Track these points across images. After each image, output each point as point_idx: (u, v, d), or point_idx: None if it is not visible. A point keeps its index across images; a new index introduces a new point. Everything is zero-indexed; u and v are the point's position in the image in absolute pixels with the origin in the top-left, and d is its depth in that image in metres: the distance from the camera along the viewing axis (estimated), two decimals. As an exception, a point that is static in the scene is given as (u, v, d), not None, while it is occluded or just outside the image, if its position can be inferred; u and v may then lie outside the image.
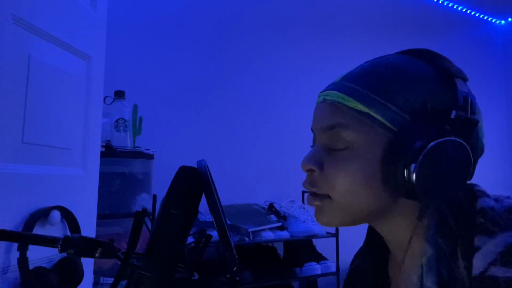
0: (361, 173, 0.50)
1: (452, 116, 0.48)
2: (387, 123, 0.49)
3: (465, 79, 0.52)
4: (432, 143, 0.45)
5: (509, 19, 3.89)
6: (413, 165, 0.46)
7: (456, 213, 0.49)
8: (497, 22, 3.92)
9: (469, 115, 0.49)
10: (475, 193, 0.51)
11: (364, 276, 0.62)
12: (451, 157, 0.46)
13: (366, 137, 0.50)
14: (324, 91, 0.55)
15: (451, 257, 0.47)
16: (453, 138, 0.46)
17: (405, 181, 0.47)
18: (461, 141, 0.47)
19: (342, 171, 0.50)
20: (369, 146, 0.50)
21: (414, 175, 0.46)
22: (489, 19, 3.86)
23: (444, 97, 0.49)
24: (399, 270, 0.54)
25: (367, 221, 0.55)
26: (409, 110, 0.49)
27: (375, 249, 0.61)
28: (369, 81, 0.51)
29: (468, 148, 0.47)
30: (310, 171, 0.53)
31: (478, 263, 0.44)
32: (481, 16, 3.80)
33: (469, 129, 0.48)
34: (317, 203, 0.53)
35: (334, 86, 0.54)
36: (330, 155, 0.52)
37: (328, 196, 0.52)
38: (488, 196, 0.50)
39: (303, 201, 2.51)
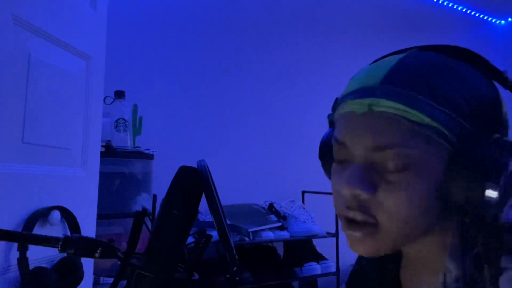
0: (423, 194, 0.43)
1: (504, 123, 0.44)
2: (450, 135, 0.42)
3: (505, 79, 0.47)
4: (510, 160, 0.40)
5: (509, 19, 3.89)
6: (489, 186, 0.40)
7: (481, 230, 0.45)
8: (497, 22, 3.92)
9: None
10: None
11: (372, 278, 0.59)
12: None
13: (428, 154, 0.43)
14: (363, 97, 0.45)
15: (478, 279, 0.43)
16: None
17: (478, 202, 0.41)
18: None
19: (403, 195, 0.43)
20: (432, 164, 0.43)
21: (496, 195, 0.40)
22: (489, 19, 3.86)
23: (492, 102, 0.45)
24: (417, 281, 0.52)
25: (403, 245, 0.49)
26: (467, 117, 0.43)
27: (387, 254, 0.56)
28: (428, 87, 0.43)
29: None
30: (356, 196, 0.45)
31: (505, 285, 0.41)
32: (481, 16, 3.80)
33: None
34: (359, 234, 0.46)
35: (383, 93, 0.44)
36: (383, 176, 0.44)
37: (373, 225, 0.45)
38: None
39: (303, 201, 2.51)
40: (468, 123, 0.43)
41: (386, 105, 0.43)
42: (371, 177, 0.44)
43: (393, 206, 0.43)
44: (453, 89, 0.43)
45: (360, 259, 0.66)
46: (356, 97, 0.46)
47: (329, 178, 0.54)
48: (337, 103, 0.52)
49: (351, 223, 0.46)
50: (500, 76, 0.47)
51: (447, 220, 0.47)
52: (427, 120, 0.42)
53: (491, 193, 0.40)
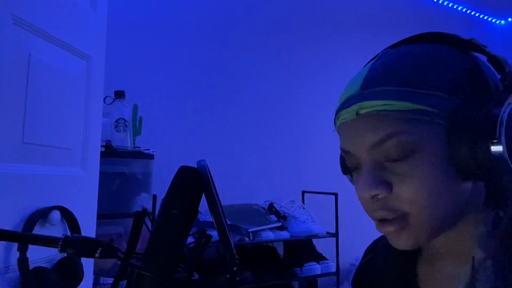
0: (434, 174, 0.44)
1: (493, 86, 0.45)
2: (440, 111, 0.44)
3: (482, 45, 0.49)
4: (502, 111, 0.41)
5: (509, 19, 3.89)
6: (491, 142, 0.41)
7: (510, 218, 0.46)
8: (497, 22, 3.92)
9: (510, 75, 0.45)
10: None
11: (384, 271, 0.58)
12: None
13: (423, 135, 0.45)
14: (349, 106, 0.48)
15: (508, 269, 0.44)
16: None
17: (488, 162, 0.42)
18: None
19: (415, 181, 0.44)
20: (430, 143, 0.45)
21: (502, 149, 0.41)
22: (489, 19, 3.86)
23: (470, 69, 0.47)
24: (437, 274, 0.52)
25: (438, 234, 0.49)
26: (454, 92, 0.45)
27: None
28: (402, 77, 0.45)
29: None
30: (375, 197, 0.47)
31: None
32: (481, 16, 3.80)
33: None
34: (392, 228, 0.47)
35: (363, 97, 0.47)
36: (392, 170, 0.46)
37: (403, 217, 0.46)
38: None
39: (303, 201, 2.51)
40: (455, 97, 0.45)
41: (370, 106, 0.46)
42: (382, 175, 0.46)
43: (412, 195, 0.45)
44: (428, 71, 0.46)
45: (369, 250, 0.66)
46: (344, 107, 0.49)
47: None
48: (335, 117, 0.55)
49: (382, 221, 0.47)
50: (471, 44, 0.49)
51: (478, 208, 0.47)
52: (411, 105, 0.44)
53: (496, 148, 0.41)
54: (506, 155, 0.41)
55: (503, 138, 0.41)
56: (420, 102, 0.44)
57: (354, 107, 0.47)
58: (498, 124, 0.41)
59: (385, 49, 0.53)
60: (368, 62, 0.55)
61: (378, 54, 0.54)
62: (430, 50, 0.48)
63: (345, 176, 0.61)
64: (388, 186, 0.46)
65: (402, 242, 0.48)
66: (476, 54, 0.50)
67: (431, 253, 0.54)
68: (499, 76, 0.47)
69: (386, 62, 0.48)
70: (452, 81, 0.45)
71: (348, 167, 0.54)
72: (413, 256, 0.56)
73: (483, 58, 0.50)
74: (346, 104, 0.49)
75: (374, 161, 0.47)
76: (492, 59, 0.47)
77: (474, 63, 0.48)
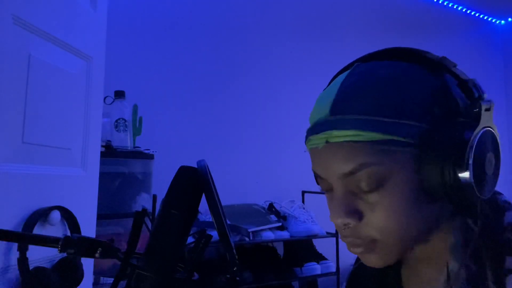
0: (404, 201, 0.45)
1: (462, 107, 0.45)
2: (409, 140, 0.44)
3: (452, 65, 0.47)
4: (472, 137, 0.41)
5: (509, 19, 3.89)
6: (459, 167, 0.42)
7: (483, 229, 0.46)
8: (497, 22, 3.92)
9: (479, 101, 0.44)
10: (501, 204, 0.47)
11: (372, 277, 0.60)
12: (490, 149, 0.43)
13: (393, 165, 0.44)
14: (317, 132, 0.47)
15: (480, 278, 0.44)
16: (487, 128, 0.43)
17: (455, 187, 0.42)
18: (493, 130, 0.43)
19: (385, 210, 0.45)
20: (400, 171, 0.45)
21: (468, 175, 0.41)
22: (489, 19, 3.86)
23: (438, 91, 0.46)
24: (418, 280, 0.53)
25: (409, 251, 0.50)
26: (423, 116, 0.44)
27: None
28: (372, 104, 0.44)
29: (498, 140, 0.44)
30: (346, 225, 0.47)
31: None
32: (481, 16, 3.80)
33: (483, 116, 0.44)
34: (360, 250, 0.48)
35: (332, 124, 0.46)
36: (363, 198, 0.46)
37: (372, 242, 0.47)
38: None
39: (303, 201, 2.51)
40: (423, 123, 0.44)
41: (339, 135, 0.45)
42: (353, 204, 0.47)
43: (381, 222, 0.45)
44: (399, 97, 0.45)
45: (358, 258, 0.67)
46: (314, 132, 0.48)
47: None
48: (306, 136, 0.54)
49: (354, 244, 0.48)
50: (439, 64, 0.48)
51: (449, 218, 0.48)
52: (380, 136, 0.44)
53: (464, 174, 0.42)
54: (473, 181, 0.41)
55: (470, 163, 0.41)
56: (390, 132, 0.44)
57: (324, 135, 0.46)
58: (467, 150, 0.41)
59: (356, 63, 0.52)
60: (337, 74, 0.54)
61: (348, 66, 0.52)
62: (400, 71, 0.47)
63: None
64: (359, 214, 0.46)
65: (371, 261, 0.49)
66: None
67: (412, 260, 0.55)
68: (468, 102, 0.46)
69: (356, 84, 0.47)
70: (421, 104, 0.45)
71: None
72: (397, 263, 0.57)
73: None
74: (315, 129, 0.48)
75: (345, 189, 0.47)
76: (462, 82, 0.46)
77: (443, 83, 0.47)
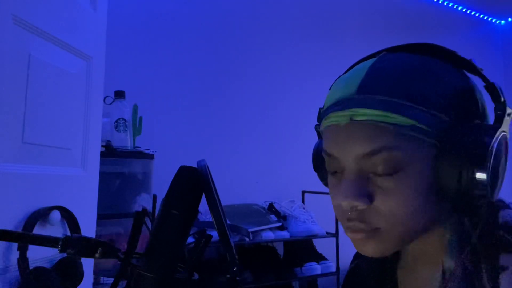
0: (416, 192, 0.44)
1: (483, 109, 0.46)
2: (432, 130, 0.44)
3: (479, 68, 0.48)
4: (493, 141, 0.42)
5: (509, 19, 3.89)
6: (478, 168, 0.42)
7: (478, 227, 0.46)
8: (497, 22, 3.92)
9: (505, 105, 0.45)
10: (496, 203, 0.48)
11: (368, 276, 0.60)
12: (503, 153, 0.44)
13: (412, 153, 0.44)
14: (342, 109, 0.46)
15: (475, 276, 0.44)
16: (504, 132, 0.43)
17: (470, 187, 0.42)
18: (507, 135, 0.44)
19: (397, 198, 0.44)
20: (417, 161, 0.44)
21: (486, 177, 0.41)
22: (489, 19, 3.86)
23: (465, 91, 0.46)
24: (414, 279, 0.53)
25: (406, 244, 0.50)
26: (447, 110, 0.44)
27: None
28: (401, 88, 0.44)
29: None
30: (354, 207, 0.46)
31: (506, 285, 0.42)
32: (481, 16, 3.80)
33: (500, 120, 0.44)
34: (360, 236, 0.47)
35: (360, 102, 0.45)
36: (376, 183, 0.45)
37: (375, 229, 0.46)
38: (510, 207, 0.47)
39: (303, 201, 2.51)
40: (446, 116, 0.44)
41: (366, 114, 0.44)
42: (364, 187, 0.46)
43: (390, 211, 0.45)
44: (427, 86, 0.45)
45: (355, 257, 0.67)
46: (337, 109, 0.47)
47: (327, 186, 0.56)
48: (320, 115, 0.53)
49: (355, 228, 0.47)
50: (468, 65, 0.49)
51: (446, 216, 0.48)
52: (407, 121, 0.43)
53: (481, 175, 0.41)
54: (489, 183, 0.42)
55: (490, 166, 0.41)
56: (416, 118, 0.43)
57: (349, 112, 0.45)
58: (487, 153, 0.41)
59: (383, 52, 0.52)
60: (360, 61, 0.54)
61: (374, 54, 0.53)
62: (429, 64, 0.47)
63: None
64: (369, 198, 0.45)
65: (368, 249, 0.48)
66: (470, 75, 0.49)
67: (409, 258, 0.55)
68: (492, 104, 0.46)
69: (386, 68, 0.47)
70: (446, 98, 0.45)
71: (323, 168, 0.53)
72: (392, 261, 0.58)
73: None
74: (338, 106, 0.47)
75: (359, 170, 0.46)
76: (489, 85, 0.47)
77: (468, 83, 0.48)
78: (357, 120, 0.45)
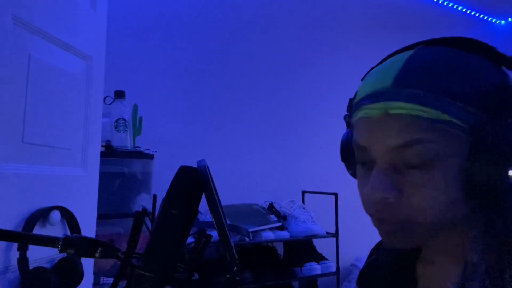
0: (448, 186, 0.45)
1: None
2: (466, 126, 0.44)
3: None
4: None
5: (509, 19, 3.89)
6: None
7: (504, 223, 0.47)
8: (497, 22, 3.92)
9: None
10: None
11: (387, 269, 0.59)
12: None
13: (446, 147, 0.44)
14: (377, 102, 0.46)
15: (499, 272, 0.45)
16: None
17: (503, 185, 0.43)
18: None
19: (428, 192, 0.45)
20: (452, 157, 0.44)
21: None
22: (489, 19, 3.86)
23: (502, 88, 0.46)
24: (434, 272, 0.53)
25: (433, 237, 0.50)
26: (483, 106, 0.44)
27: None
28: (438, 83, 0.44)
29: None
30: (384, 200, 0.46)
31: None
32: (481, 16, 3.80)
33: None
34: (389, 228, 0.47)
35: (395, 95, 0.45)
36: (407, 176, 0.46)
37: (404, 221, 0.46)
38: None
39: (303, 201, 2.51)
40: (482, 112, 0.44)
41: (401, 107, 0.45)
42: (395, 179, 0.46)
43: (421, 204, 0.45)
44: (463, 81, 0.45)
45: (372, 252, 0.67)
46: (371, 101, 0.47)
47: (354, 177, 0.56)
48: (352, 106, 0.53)
49: (382, 220, 0.48)
50: (506, 61, 0.48)
51: (474, 212, 0.48)
52: (442, 115, 0.43)
53: None
54: None
55: None
56: (452, 114, 0.44)
57: (384, 105, 0.46)
58: None
59: (420, 44, 0.52)
60: (395, 53, 0.53)
61: (410, 46, 0.52)
62: (466, 59, 0.47)
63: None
64: (399, 191, 0.46)
65: (397, 242, 0.48)
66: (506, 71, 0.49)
67: (430, 251, 0.55)
68: None
69: (423, 62, 0.47)
70: (482, 94, 0.45)
71: (351, 158, 0.53)
72: (413, 255, 0.57)
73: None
74: (372, 98, 0.47)
75: (391, 163, 0.46)
76: None
77: (505, 80, 0.47)
78: (391, 113, 0.45)
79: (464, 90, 0.44)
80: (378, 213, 0.48)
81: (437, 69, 0.45)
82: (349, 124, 0.57)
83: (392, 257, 0.59)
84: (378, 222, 0.48)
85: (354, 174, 0.56)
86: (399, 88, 0.45)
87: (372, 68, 0.54)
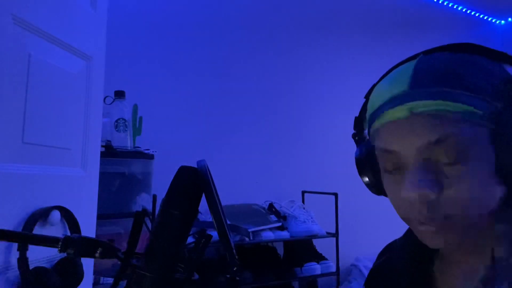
0: (483, 178, 0.45)
1: None
2: (487, 114, 0.45)
3: None
4: None
5: (509, 19, 3.88)
6: None
7: None
8: (497, 22, 3.92)
9: None
10: None
11: (402, 271, 0.59)
12: None
13: (475, 139, 0.45)
14: (397, 105, 0.47)
15: None
16: None
17: None
18: None
19: (467, 185, 0.45)
20: (480, 148, 0.45)
21: None
22: (489, 19, 3.86)
23: (509, 81, 0.48)
24: (454, 270, 0.53)
25: (470, 234, 0.49)
26: (497, 98, 0.46)
27: (419, 243, 0.52)
28: (454, 79, 0.46)
29: None
30: (422, 197, 0.46)
31: None
32: (481, 16, 3.80)
33: None
34: (433, 229, 0.47)
35: (415, 96, 0.46)
36: (442, 172, 0.46)
37: (445, 219, 0.46)
38: None
39: (303, 201, 2.51)
40: (497, 102, 0.46)
41: (426, 104, 0.46)
42: (432, 176, 0.46)
43: (461, 198, 0.45)
44: (476, 76, 0.46)
45: (384, 252, 0.66)
46: (393, 105, 0.48)
47: (375, 193, 0.57)
48: (361, 122, 0.55)
49: (422, 221, 0.48)
50: (506, 57, 0.50)
51: (501, 205, 0.48)
52: (466, 107, 0.45)
53: None
54: None
55: None
56: (473, 105, 0.45)
57: (407, 106, 0.46)
58: None
59: (421, 54, 0.53)
60: (397, 65, 0.54)
61: (412, 57, 0.53)
62: (473, 58, 0.49)
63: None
64: (439, 186, 0.45)
65: (437, 241, 0.48)
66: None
67: (451, 252, 0.55)
68: None
69: (434, 63, 0.48)
70: (496, 87, 0.46)
71: (372, 172, 0.54)
72: (430, 253, 0.57)
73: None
74: (394, 102, 0.48)
75: (424, 161, 0.46)
76: None
77: (508, 74, 0.49)
78: (417, 113, 0.46)
79: (478, 83, 0.46)
80: (419, 214, 0.47)
81: (449, 68, 0.47)
82: (360, 140, 0.59)
83: (408, 257, 0.59)
84: (420, 224, 0.48)
85: (378, 190, 0.56)
86: (418, 89, 0.46)
87: (375, 84, 0.54)
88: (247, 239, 1.96)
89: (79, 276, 1.03)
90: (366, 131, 0.58)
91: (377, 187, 0.56)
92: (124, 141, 1.73)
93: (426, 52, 0.53)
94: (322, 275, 2.17)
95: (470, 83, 0.46)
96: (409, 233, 0.60)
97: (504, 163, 0.45)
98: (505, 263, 0.46)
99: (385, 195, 0.54)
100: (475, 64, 0.48)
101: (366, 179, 0.58)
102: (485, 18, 3.83)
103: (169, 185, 0.44)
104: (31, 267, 0.93)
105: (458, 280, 0.53)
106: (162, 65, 2.31)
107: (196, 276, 0.44)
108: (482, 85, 0.46)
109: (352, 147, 0.61)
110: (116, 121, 1.71)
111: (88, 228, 1.18)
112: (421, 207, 0.46)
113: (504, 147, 0.45)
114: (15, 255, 0.92)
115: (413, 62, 0.50)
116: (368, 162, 0.54)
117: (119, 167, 1.70)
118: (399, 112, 0.47)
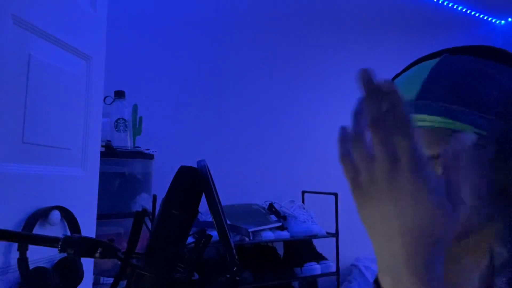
0: (474, 196, 0.46)
1: None
2: (490, 135, 0.45)
3: None
4: None
5: (509, 19, 3.89)
6: None
7: None
8: (497, 22, 3.92)
9: None
10: None
11: None
12: None
13: (472, 157, 0.45)
14: None
15: None
16: None
17: None
18: None
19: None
20: (477, 165, 0.45)
21: None
22: (489, 19, 3.86)
23: None
24: (457, 268, 0.53)
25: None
26: (503, 115, 0.46)
27: None
28: (460, 95, 0.46)
29: None
30: None
31: None
32: (481, 16, 3.80)
33: None
34: None
35: (419, 108, 0.46)
36: None
37: None
38: None
39: (303, 201, 2.51)
40: (503, 121, 0.45)
41: (425, 119, 0.46)
42: None
43: None
44: (484, 92, 0.46)
45: None
46: None
47: None
48: None
49: None
50: None
51: (501, 211, 0.48)
52: (465, 126, 0.45)
53: None
54: None
55: None
56: (474, 124, 0.45)
57: None
58: None
59: (443, 52, 0.52)
60: (418, 60, 0.54)
61: (434, 54, 0.53)
62: (488, 69, 0.48)
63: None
64: None
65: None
66: None
67: (456, 249, 0.55)
68: None
69: (446, 73, 0.48)
70: (502, 103, 0.46)
71: None
72: None
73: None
74: None
75: None
76: None
77: None
78: (418, 126, 0.47)
79: (484, 100, 0.46)
80: None
81: (459, 81, 0.47)
82: None
83: None
84: None
85: None
86: (423, 101, 0.47)
87: (395, 76, 0.54)
88: (247, 239, 1.96)
89: (79, 276, 1.03)
90: None
91: None
92: (124, 141, 1.73)
93: (450, 51, 0.52)
94: (322, 275, 2.17)
95: (478, 100, 0.45)
96: None
97: (503, 183, 0.45)
98: (504, 261, 0.47)
99: None
100: (492, 78, 0.47)
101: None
102: (485, 18, 3.83)
103: (169, 185, 0.44)
104: (31, 267, 0.93)
105: (457, 278, 0.53)
106: (162, 65, 2.31)
107: (196, 276, 0.44)
108: (491, 103, 0.45)
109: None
110: (116, 121, 1.71)
111: (88, 228, 1.18)
112: None
113: (503, 169, 0.45)
114: (15, 255, 0.92)
115: (431, 64, 0.50)
116: None
117: (119, 167, 1.70)
118: None
